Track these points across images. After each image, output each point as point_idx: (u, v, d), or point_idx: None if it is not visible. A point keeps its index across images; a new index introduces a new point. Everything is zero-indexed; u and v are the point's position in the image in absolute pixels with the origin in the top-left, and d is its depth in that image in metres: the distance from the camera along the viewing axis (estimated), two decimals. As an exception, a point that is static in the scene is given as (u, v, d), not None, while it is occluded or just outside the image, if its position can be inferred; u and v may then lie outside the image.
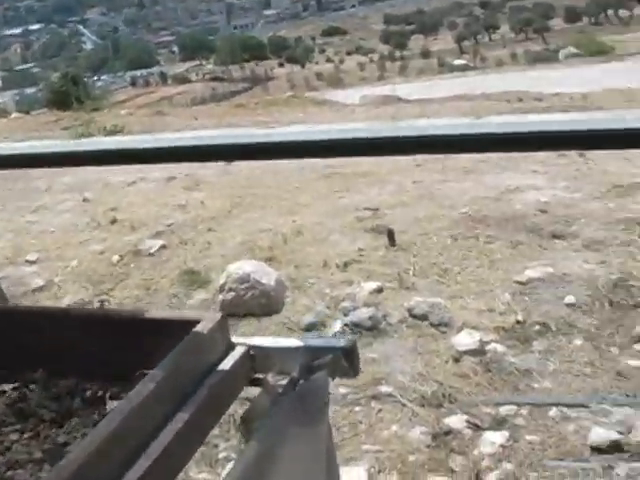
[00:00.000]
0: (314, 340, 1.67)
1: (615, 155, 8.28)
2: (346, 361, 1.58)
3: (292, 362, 1.58)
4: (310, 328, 5.22)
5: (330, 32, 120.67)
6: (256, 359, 1.60)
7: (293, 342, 1.61)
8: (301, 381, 1.56)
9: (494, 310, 5.20)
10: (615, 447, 3.76)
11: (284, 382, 1.58)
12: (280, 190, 8.85)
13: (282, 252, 6.66)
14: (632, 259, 5.70)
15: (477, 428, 4.00)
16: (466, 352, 4.68)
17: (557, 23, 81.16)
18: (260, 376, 1.61)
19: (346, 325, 5.15)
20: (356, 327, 5.10)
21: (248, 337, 1.64)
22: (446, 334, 4.95)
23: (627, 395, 4.23)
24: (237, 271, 5.70)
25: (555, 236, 6.29)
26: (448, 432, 3.94)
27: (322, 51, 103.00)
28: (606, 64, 25.68)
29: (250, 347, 1.60)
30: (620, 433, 3.84)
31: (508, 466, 3.69)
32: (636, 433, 3.82)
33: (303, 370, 1.56)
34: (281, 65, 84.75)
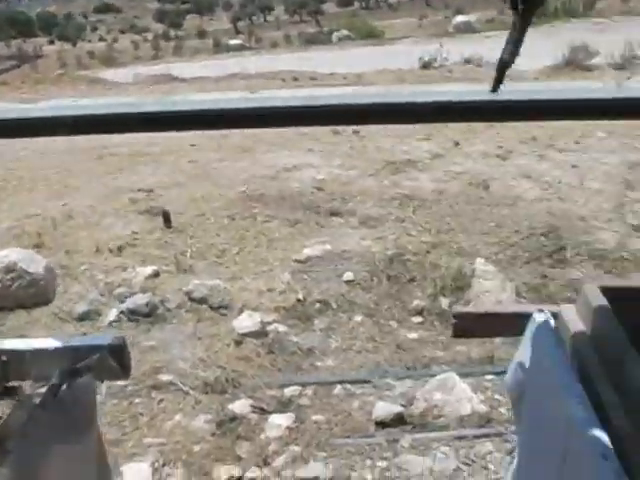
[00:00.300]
0: (76, 339, 1.48)
1: (387, 132, 8.50)
2: (114, 360, 1.41)
3: (51, 366, 1.38)
4: (84, 317, 4.93)
5: (102, 9, 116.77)
6: (9, 365, 1.39)
7: (51, 343, 1.41)
8: (63, 387, 1.37)
9: (274, 290, 5.15)
10: (399, 420, 3.82)
11: (43, 390, 1.38)
12: (49, 172, 8.37)
13: (52, 238, 6.27)
14: (407, 234, 5.84)
15: (262, 412, 3.92)
16: (248, 334, 4.59)
17: (330, 7, 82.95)
18: (14, 384, 1.40)
19: (122, 313, 4.91)
20: (133, 314, 4.87)
21: (-2, 340, 1.42)
22: (227, 317, 4.83)
23: (407, 368, 4.31)
24: (2, 260, 5.29)
25: (332, 213, 6.34)
26: (233, 418, 3.83)
27: (94, 29, 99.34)
28: (377, 47, 26.54)
29: (1, 352, 1.38)
30: (403, 406, 3.91)
31: (295, 448, 3.64)
32: (417, 404, 3.89)
33: (65, 375, 1.37)
34: (51, 43, 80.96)
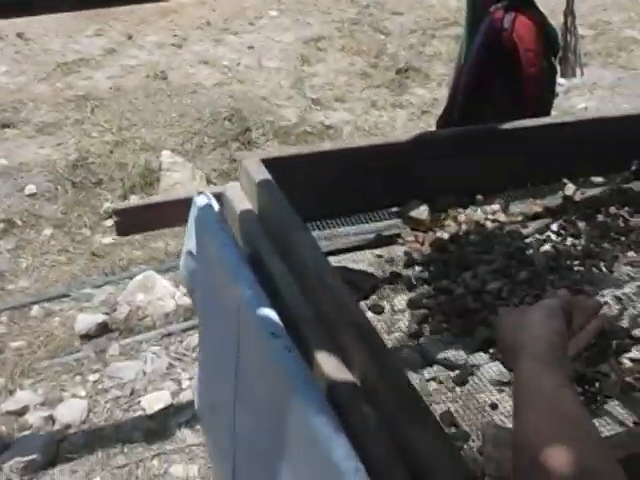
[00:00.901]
0: None
1: (55, 31, 7.98)
2: None
3: None
4: None
5: None
6: None
7: None
8: None
9: None
10: (103, 329, 3.74)
11: None
12: None
13: None
14: (87, 137, 5.56)
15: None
16: None
17: None
18: None
19: None
20: None
21: None
22: None
23: (106, 274, 4.18)
24: None
25: (4, 125, 5.85)
26: None
27: None
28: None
29: None
30: (105, 314, 3.82)
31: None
32: (121, 310, 3.82)
33: None
34: None
